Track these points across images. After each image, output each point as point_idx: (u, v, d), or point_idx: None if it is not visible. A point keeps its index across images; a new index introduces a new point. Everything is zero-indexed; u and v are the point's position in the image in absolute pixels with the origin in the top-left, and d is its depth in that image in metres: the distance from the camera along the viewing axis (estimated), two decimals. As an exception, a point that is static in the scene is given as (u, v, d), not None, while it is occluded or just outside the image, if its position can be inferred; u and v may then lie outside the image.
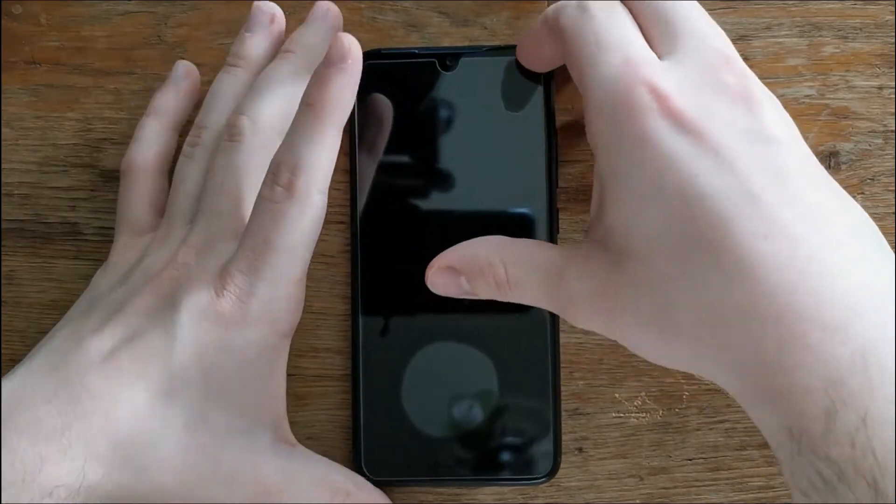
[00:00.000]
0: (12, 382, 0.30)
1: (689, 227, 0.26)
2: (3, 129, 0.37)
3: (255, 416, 0.31)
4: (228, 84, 0.35)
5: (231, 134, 0.33)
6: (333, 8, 0.35)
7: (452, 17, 0.36)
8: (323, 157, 0.31)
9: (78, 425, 0.29)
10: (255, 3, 0.35)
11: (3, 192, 0.36)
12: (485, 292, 0.30)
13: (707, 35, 0.28)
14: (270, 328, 0.31)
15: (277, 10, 0.35)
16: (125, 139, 0.36)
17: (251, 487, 0.31)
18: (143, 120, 0.35)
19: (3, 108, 0.37)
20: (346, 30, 0.36)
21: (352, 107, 0.31)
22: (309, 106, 0.30)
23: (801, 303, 0.24)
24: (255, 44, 0.35)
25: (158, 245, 0.33)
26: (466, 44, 0.36)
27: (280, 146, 0.31)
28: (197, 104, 0.36)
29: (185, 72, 0.36)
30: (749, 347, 0.25)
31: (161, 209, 0.35)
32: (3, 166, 0.36)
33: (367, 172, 0.34)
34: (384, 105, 0.34)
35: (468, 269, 0.30)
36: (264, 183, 0.31)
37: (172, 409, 0.30)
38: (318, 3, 0.34)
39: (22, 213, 0.36)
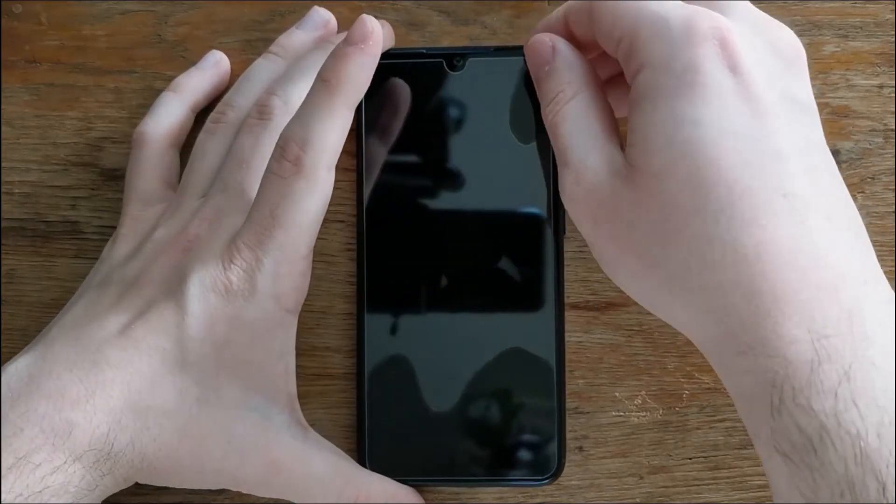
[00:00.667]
0: (33, 354, 0.30)
1: (714, 161, 0.26)
2: (3, 128, 0.37)
3: (270, 395, 0.32)
4: (265, 69, 0.35)
5: (261, 112, 0.33)
6: (378, 29, 0.33)
7: (453, 16, 0.36)
8: (333, 133, 0.31)
9: (100, 393, 0.30)
10: (315, 6, 0.36)
11: (3, 190, 0.36)
12: (542, 101, 0.31)
13: (752, 8, 0.30)
14: (277, 304, 0.31)
15: (332, 19, 0.36)
16: (125, 138, 0.36)
17: (264, 463, 0.31)
18: (162, 93, 0.36)
19: (3, 106, 0.37)
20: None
21: (366, 88, 0.31)
22: (324, 82, 0.31)
23: (803, 262, 0.26)
24: (302, 40, 0.36)
25: (170, 217, 0.33)
26: (467, 43, 0.36)
27: (291, 120, 0.31)
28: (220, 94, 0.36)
29: (215, 61, 0.36)
30: (743, 292, 0.26)
31: (170, 183, 0.35)
32: (3, 165, 0.36)
33: (374, 170, 0.34)
34: (394, 102, 0.34)
35: (559, 71, 0.30)
36: (273, 156, 0.31)
37: (186, 382, 0.30)
38: (365, 17, 0.33)
39: (22, 211, 0.36)
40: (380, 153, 0.34)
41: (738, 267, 0.26)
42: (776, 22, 0.29)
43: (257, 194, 0.31)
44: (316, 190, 0.31)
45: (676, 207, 0.27)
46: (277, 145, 0.31)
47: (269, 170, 0.31)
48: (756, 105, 0.27)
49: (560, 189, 0.30)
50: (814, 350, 0.25)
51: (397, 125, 0.34)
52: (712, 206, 0.26)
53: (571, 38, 0.31)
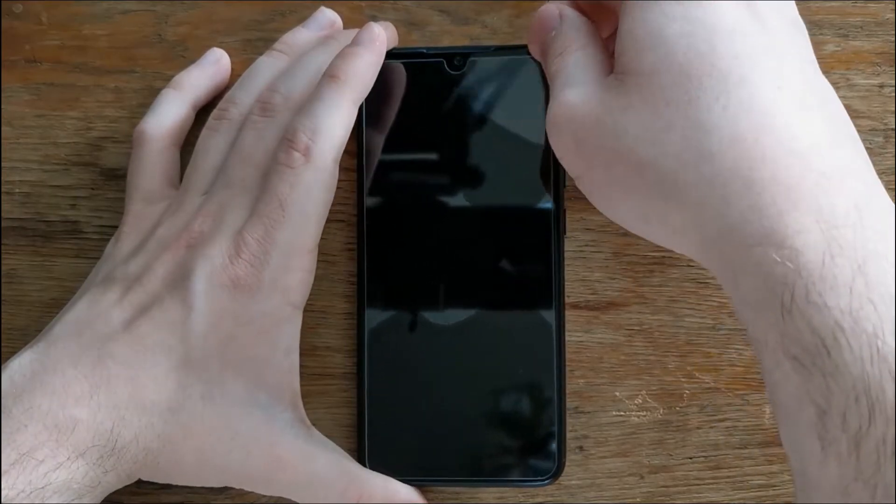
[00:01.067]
0: (36, 350, 0.30)
1: (706, 54, 0.26)
2: (3, 128, 0.37)
3: (274, 392, 0.32)
4: (268, 66, 0.35)
5: (264, 109, 0.33)
6: (383, 34, 0.33)
7: (453, 15, 0.36)
8: (340, 126, 0.31)
9: (104, 389, 0.30)
10: (321, 7, 0.36)
11: (3, 190, 0.36)
12: (546, 60, 0.31)
13: None
14: (283, 298, 0.31)
15: (338, 20, 0.36)
16: (126, 138, 0.36)
17: (267, 460, 0.31)
18: (163, 91, 0.36)
19: (3, 106, 0.37)
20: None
21: (370, 86, 0.32)
22: (332, 77, 0.31)
23: (804, 149, 0.24)
24: (307, 39, 0.36)
25: (173, 213, 0.33)
26: (467, 42, 0.36)
27: (297, 114, 0.31)
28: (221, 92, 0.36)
29: (215, 58, 0.36)
30: (743, 181, 0.25)
31: (172, 180, 0.35)
32: (3, 165, 0.36)
33: (375, 170, 0.34)
34: (391, 89, 0.34)
35: (565, 33, 0.30)
36: (280, 148, 0.31)
37: (191, 378, 0.30)
38: (372, 24, 0.33)
39: (23, 211, 0.36)
40: (380, 152, 0.34)
41: (737, 154, 0.25)
42: None
43: (265, 187, 0.31)
44: (325, 180, 0.31)
45: (670, 102, 0.26)
46: (285, 137, 0.31)
47: (277, 161, 0.31)
48: (752, 9, 0.27)
49: (547, 120, 0.29)
50: (825, 239, 0.23)
51: (395, 106, 0.34)
52: (707, 95, 0.25)
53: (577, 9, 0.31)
